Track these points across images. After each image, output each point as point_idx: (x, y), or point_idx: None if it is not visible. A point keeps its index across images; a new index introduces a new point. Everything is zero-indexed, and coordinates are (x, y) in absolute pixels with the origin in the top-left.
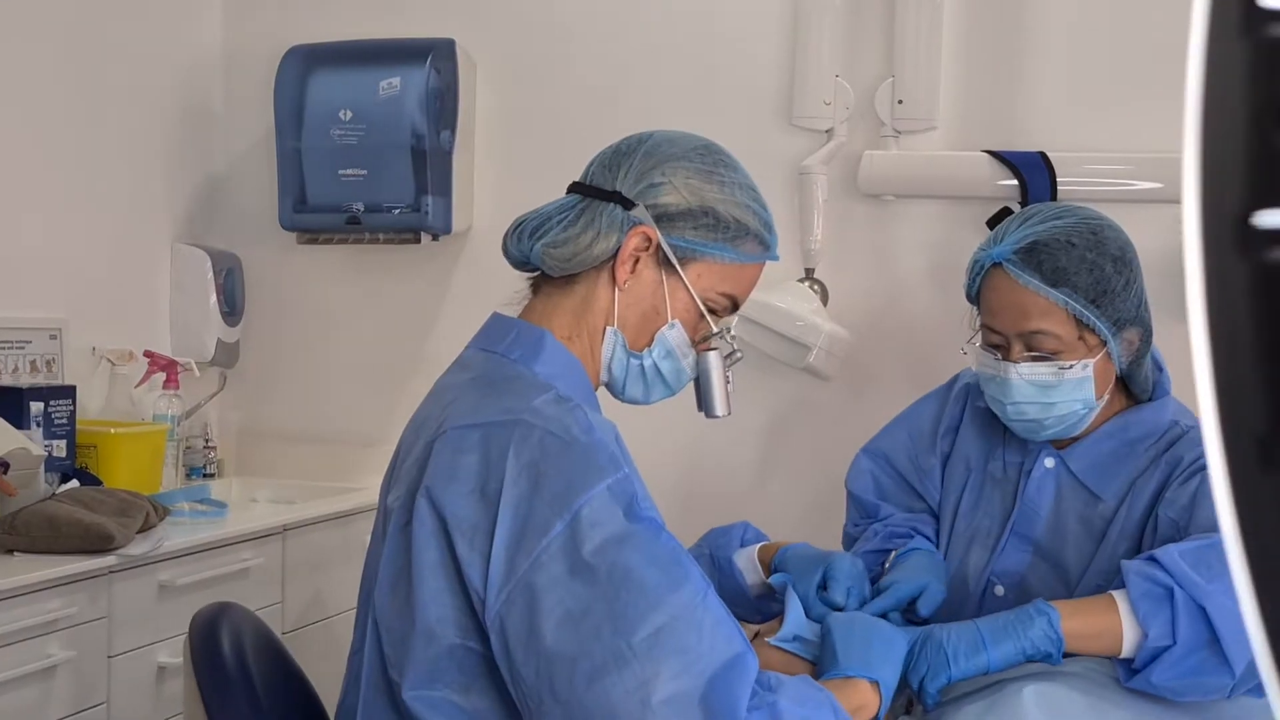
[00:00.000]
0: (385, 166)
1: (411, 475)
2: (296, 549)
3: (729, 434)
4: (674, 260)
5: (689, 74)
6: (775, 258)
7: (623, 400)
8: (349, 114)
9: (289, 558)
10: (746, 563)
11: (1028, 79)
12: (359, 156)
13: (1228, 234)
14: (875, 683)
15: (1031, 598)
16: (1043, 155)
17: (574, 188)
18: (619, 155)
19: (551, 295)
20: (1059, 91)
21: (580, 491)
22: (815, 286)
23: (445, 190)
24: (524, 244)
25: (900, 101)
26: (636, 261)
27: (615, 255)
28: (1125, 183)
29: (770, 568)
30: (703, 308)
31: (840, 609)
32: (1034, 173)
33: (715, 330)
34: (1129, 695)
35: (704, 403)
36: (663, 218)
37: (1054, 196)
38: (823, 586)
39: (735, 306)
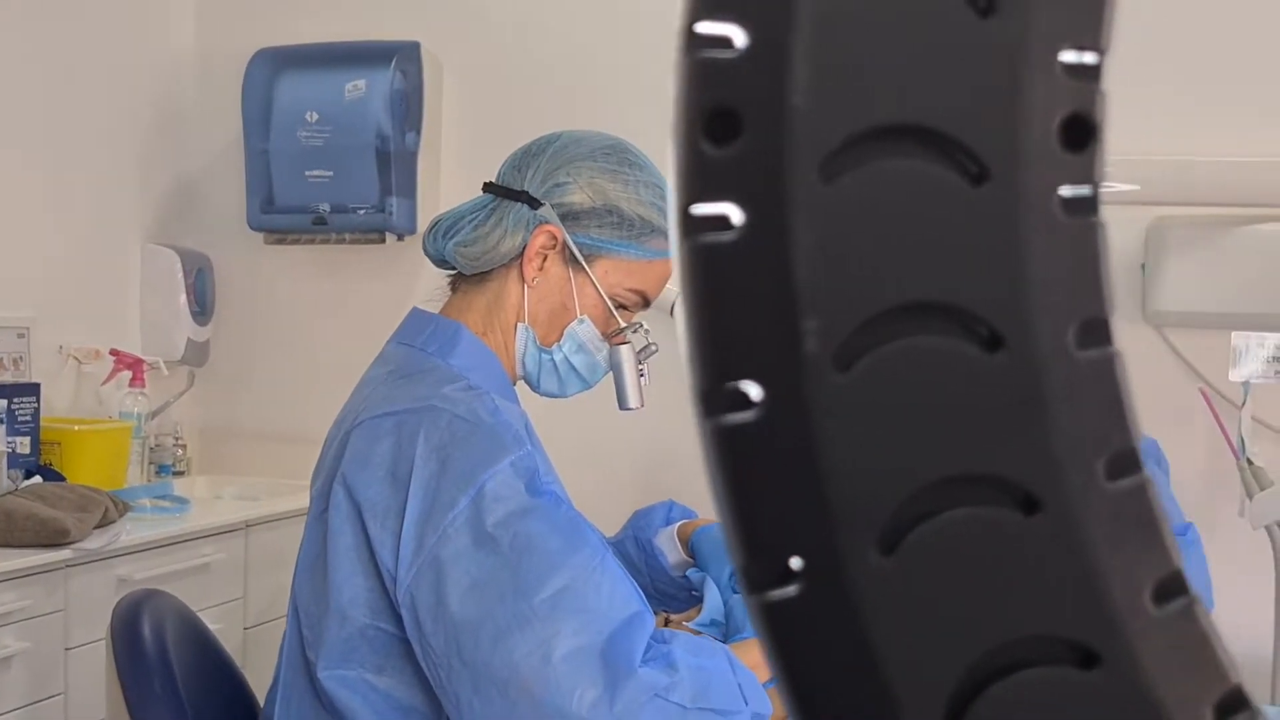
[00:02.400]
0: (351, 168)
1: (329, 465)
2: (259, 545)
3: (689, 429)
4: (580, 258)
5: (654, 75)
6: None
7: (540, 394)
8: (315, 116)
9: (252, 554)
10: (666, 542)
11: None
12: (325, 158)
13: (680, 225)
14: None
15: None
16: None
17: (487, 187)
18: (528, 155)
19: (467, 292)
20: None
21: (484, 468)
22: None
23: (410, 191)
24: (439, 243)
25: None
26: (545, 259)
27: (523, 253)
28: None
29: (689, 547)
30: (609, 304)
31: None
32: None
33: (623, 325)
34: None
35: (618, 395)
36: (568, 216)
37: None
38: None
39: (646, 302)
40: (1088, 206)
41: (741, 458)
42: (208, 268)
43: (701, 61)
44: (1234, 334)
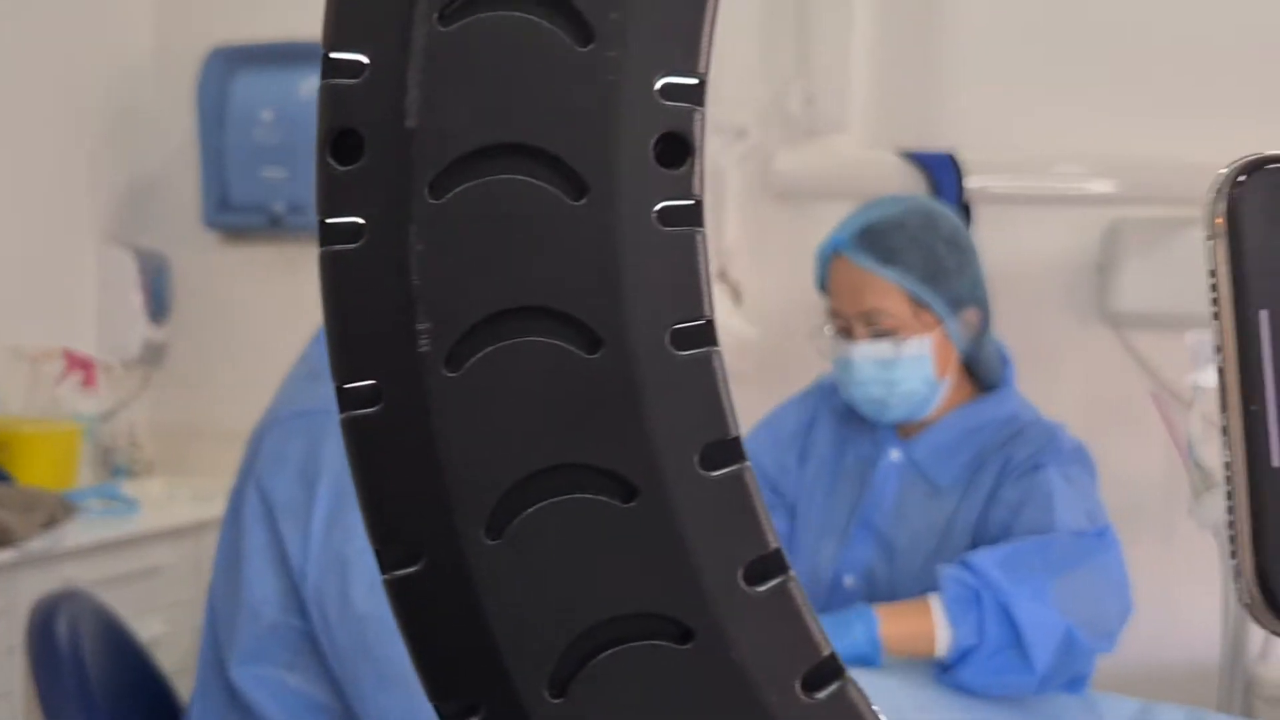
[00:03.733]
0: (307, 166)
1: (245, 465)
2: (213, 547)
3: None
4: None
5: None
6: None
7: None
8: (271, 114)
9: (204, 556)
10: None
11: (941, 79)
12: (281, 156)
13: (319, 236)
14: None
15: (879, 588)
16: (952, 155)
17: None
18: None
19: None
20: (971, 92)
21: None
22: (728, 286)
23: None
24: None
25: (811, 101)
26: None
27: None
28: (1035, 183)
29: None
30: None
31: None
32: (943, 173)
33: None
34: (944, 688)
35: None
36: None
37: (961, 197)
38: None
39: None
40: (686, 218)
41: (367, 450)
42: (165, 267)
43: (330, 87)
44: (1188, 334)
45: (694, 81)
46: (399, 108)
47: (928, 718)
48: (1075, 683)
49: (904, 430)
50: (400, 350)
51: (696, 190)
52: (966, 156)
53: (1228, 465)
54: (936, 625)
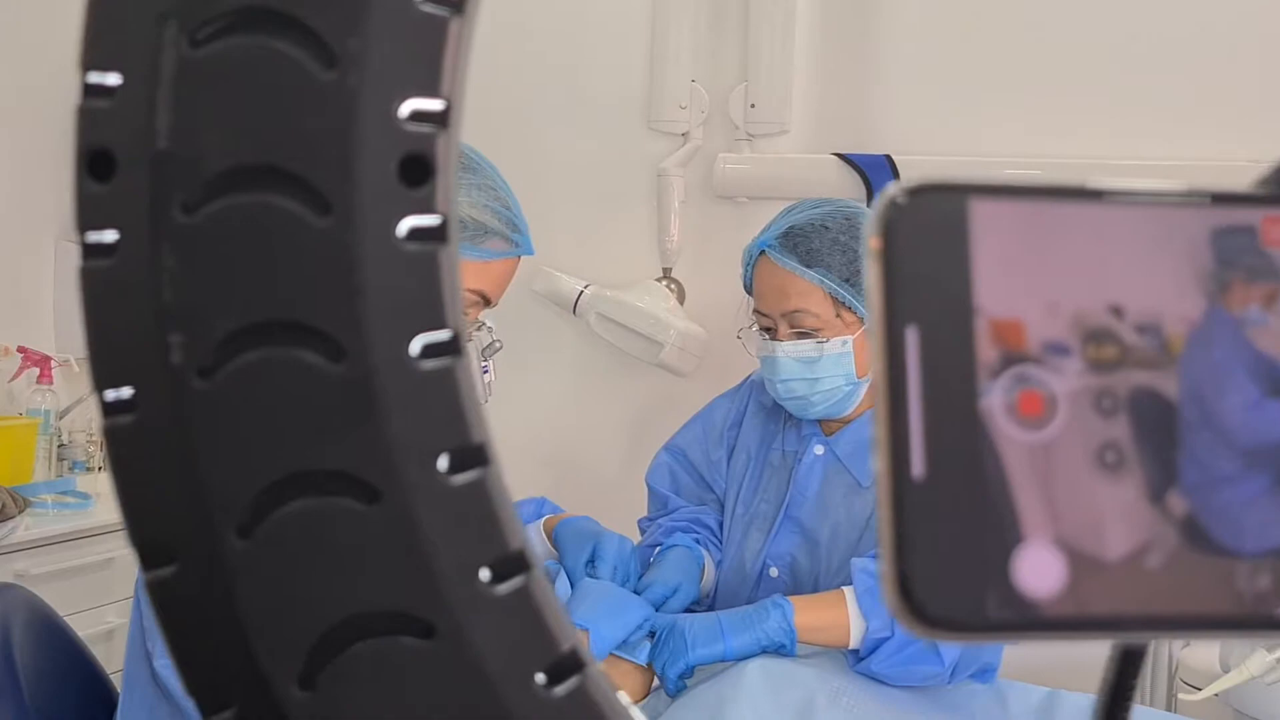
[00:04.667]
0: None
1: None
2: None
3: (593, 429)
4: None
5: (552, 79)
6: (528, 252)
7: None
8: None
9: None
10: (534, 535)
11: (879, 84)
12: None
13: (80, 253)
14: (586, 631)
15: (803, 580)
16: (888, 158)
17: None
18: None
19: None
20: (909, 96)
21: None
22: (672, 285)
23: None
24: None
25: (753, 106)
26: None
27: None
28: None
29: (551, 538)
30: None
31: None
32: (879, 175)
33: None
34: (857, 677)
35: None
36: None
37: None
38: (591, 562)
39: (487, 301)
40: (430, 235)
41: (125, 456)
42: None
43: (84, 108)
44: None
45: (439, 105)
46: (150, 129)
47: (841, 705)
48: (985, 672)
49: (828, 426)
50: (154, 361)
51: (441, 208)
52: (903, 159)
53: (877, 475)
54: (850, 617)
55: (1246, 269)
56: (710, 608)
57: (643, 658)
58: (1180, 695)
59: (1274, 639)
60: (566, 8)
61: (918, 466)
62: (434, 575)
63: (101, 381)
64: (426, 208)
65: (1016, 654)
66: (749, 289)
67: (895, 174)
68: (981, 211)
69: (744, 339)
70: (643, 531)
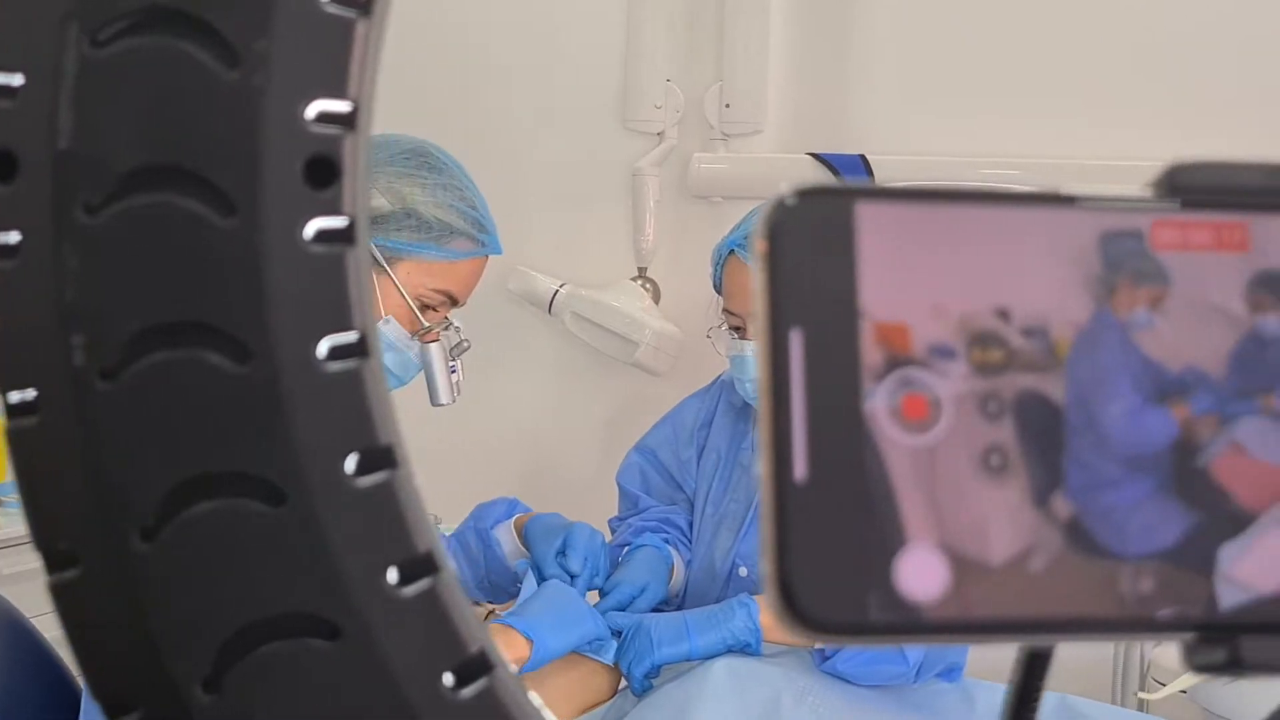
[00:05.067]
0: None
1: None
2: None
3: (568, 428)
4: (381, 261)
5: (526, 78)
6: (495, 251)
7: None
8: None
9: None
10: (504, 534)
11: (854, 83)
12: None
13: None
14: (530, 640)
15: None
16: (862, 158)
17: None
18: None
19: None
20: (884, 95)
21: None
22: (647, 285)
23: None
24: None
25: (728, 105)
26: None
27: None
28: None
29: (522, 536)
30: (412, 305)
31: (575, 576)
32: (854, 175)
33: (426, 326)
34: (823, 675)
35: (429, 392)
36: (369, 220)
37: None
38: (563, 553)
39: (454, 301)
40: (337, 237)
41: (28, 458)
42: None
43: None
44: None
45: (345, 107)
46: (53, 129)
47: (807, 705)
48: (951, 671)
49: None
50: (57, 363)
51: (349, 210)
52: (878, 159)
53: (760, 477)
54: None
55: (1134, 272)
56: (679, 608)
57: (609, 657)
58: (1140, 694)
59: (1157, 641)
60: (540, 7)
61: (800, 469)
62: (340, 577)
63: (5, 383)
64: (333, 209)
65: (983, 653)
66: (719, 288)
67: (869, 174)
68: (867, 215)
69: (714, 338)
70: (613, 531)
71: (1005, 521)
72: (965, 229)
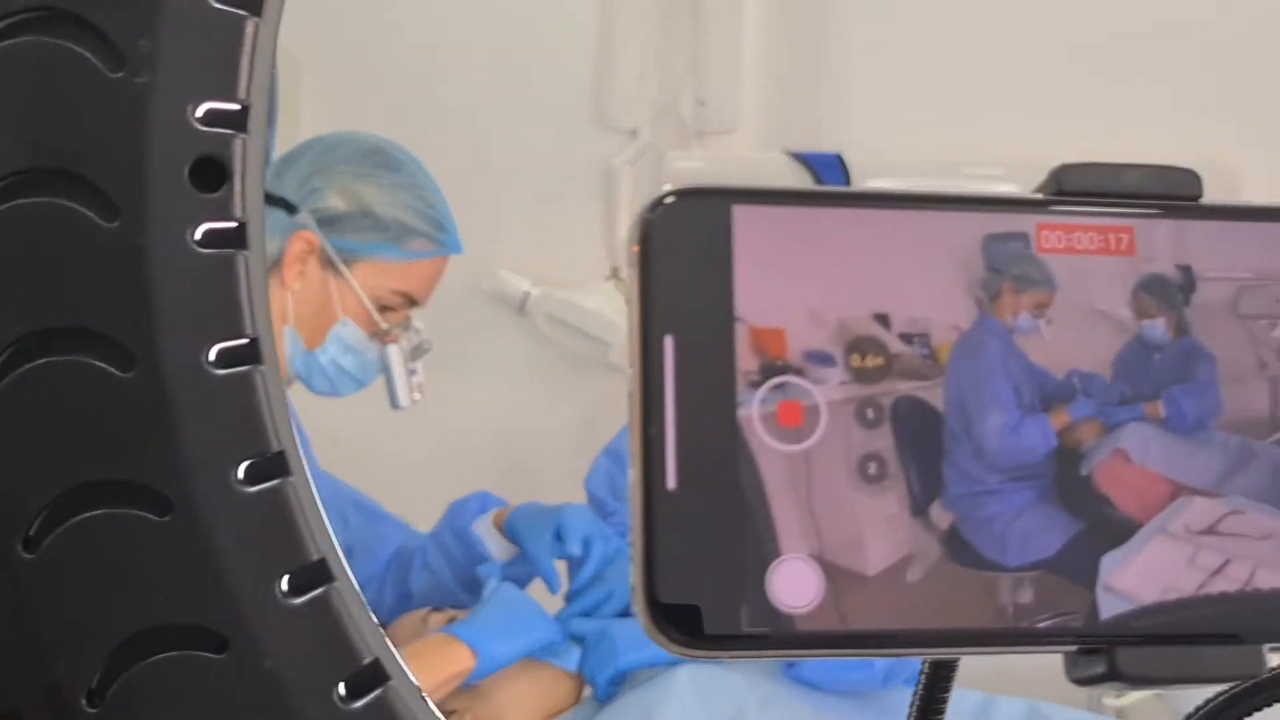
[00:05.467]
0: None
1: None
2: None
3: (542, 430)
4: (338, 262)
5: (497, 75)
6: (454, 251)
7: (315, 393)
8: None
9: None
10: (486, 531)
11: (832, 81)
12: None
13: None
14: (475, 650)
15: None
16: (839, 158)
17: None
18: (286, 161)
19: None
20: (862, 93)
21: None
22: (620, 284)
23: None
24: None
25: (702, 103)
26: (304, 264)
27: (284, 259)
28: (924, 185)
29: (505, 531)
30: (370, 306)
31: (581, 561)
32: (830, 173)
33: (385, 327)
34: (789, 683)
35: (389, 394)
36: (325, 221)
37: None
38: (559, 540)
39: (413, 301)
40: (227, 240)
41: None
42: None
43: None
44: None
45: (235, 107)
46: None
47: (772, 713)
48: (918, 677)
49: None
50: None
51: (239, 213)
52: (857, 158)
53: (629, 485)
54: None
55: (1018, 276)
56: None
57: (572, 664)
58: (1105, 700)
59: (1038, 653)
60: (512, 2)
61: (671, 477)
62: (228, 587)
63: None
64: (223, 212)
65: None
66: None
67: (847, 173)
68: (745, 217)
69: None
70: None
71: (882, 531)
72: (846, 231)
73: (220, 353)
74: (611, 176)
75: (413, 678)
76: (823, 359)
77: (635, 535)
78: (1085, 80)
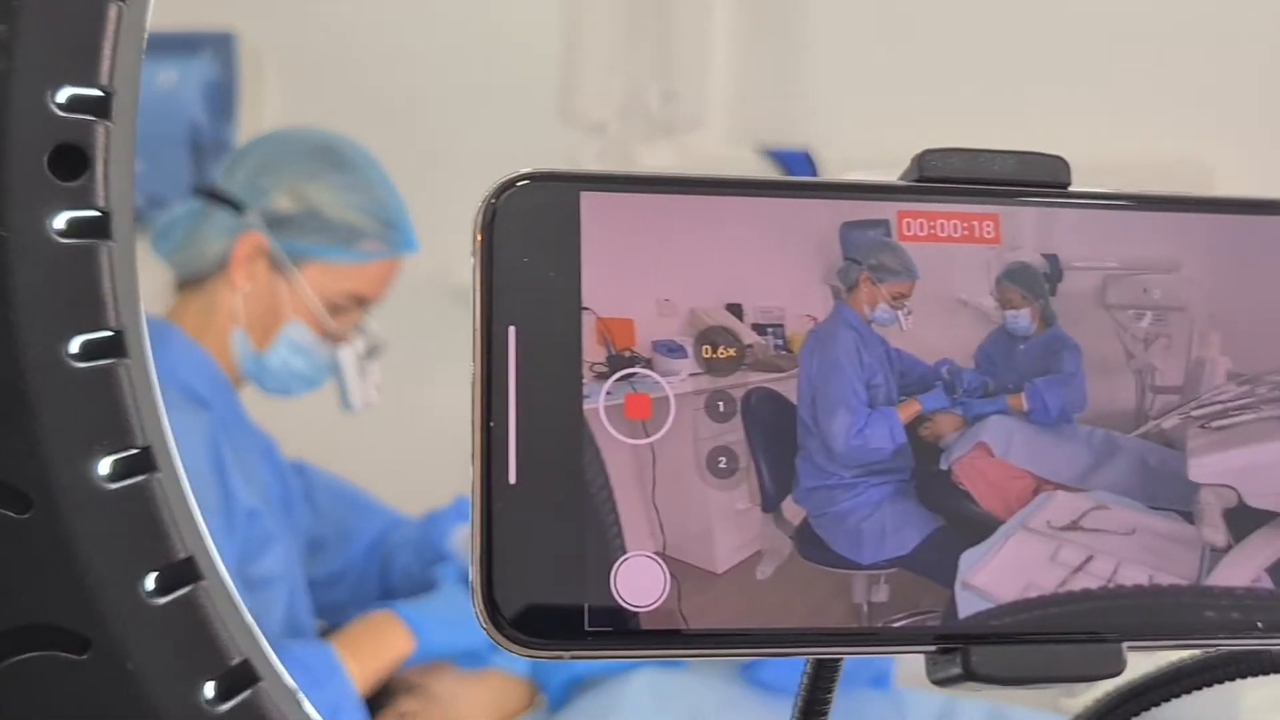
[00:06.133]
0: (165, 159)
1: None
2: None
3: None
4: (287, 264)
5: (461, 69)
6: (407, 250)
7: (269, 394)
8: None
9: None
10: (463, 542)
11: (801, 76)
12: (138, 149)
13: None
14: (415, 632)
15: None
16: (806, 154)
17: (196, 191)
18: (235, 160)
19: (186, 294)
20: (833, 88)
21: None
22: None
23: None
24: (158, 248)
25: (670, 98)
26: (254, 265)
27: (233, 259)
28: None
29: None
30: (320, 309)
31: None
32: (799, 170)
33: (335, 329)
34: (747, 685)
35: (341, 396)
36: (273, 222)
37: None
38: None
39: (364, 302)
40: (88, 230)
41: None
42: None
43: None
44: None
45: (96, 93)
46: None
47: (729, 715)
48: (880, 679)
49: None
50: None
51: (101, 202)
52: (828, 154)
53: (470, 480)
54: None
55: (876, 265)
56: None
57: (525, 669)
58: (1063, 699)
59: (895, 654)
60: (493, 4)
61: (513, 472)
62: (89, 587)
63: None
64: (84, 201)
65: (913, 661)
66: None
67: (815, 170)
68: (593, 204)
69: None
70: None
71: (732, 527)
72: (699, 219)
73: (82, 345)
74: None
75: (288, 679)
76: (672, 350)
77: (474, 532)
78: (1055, 75)
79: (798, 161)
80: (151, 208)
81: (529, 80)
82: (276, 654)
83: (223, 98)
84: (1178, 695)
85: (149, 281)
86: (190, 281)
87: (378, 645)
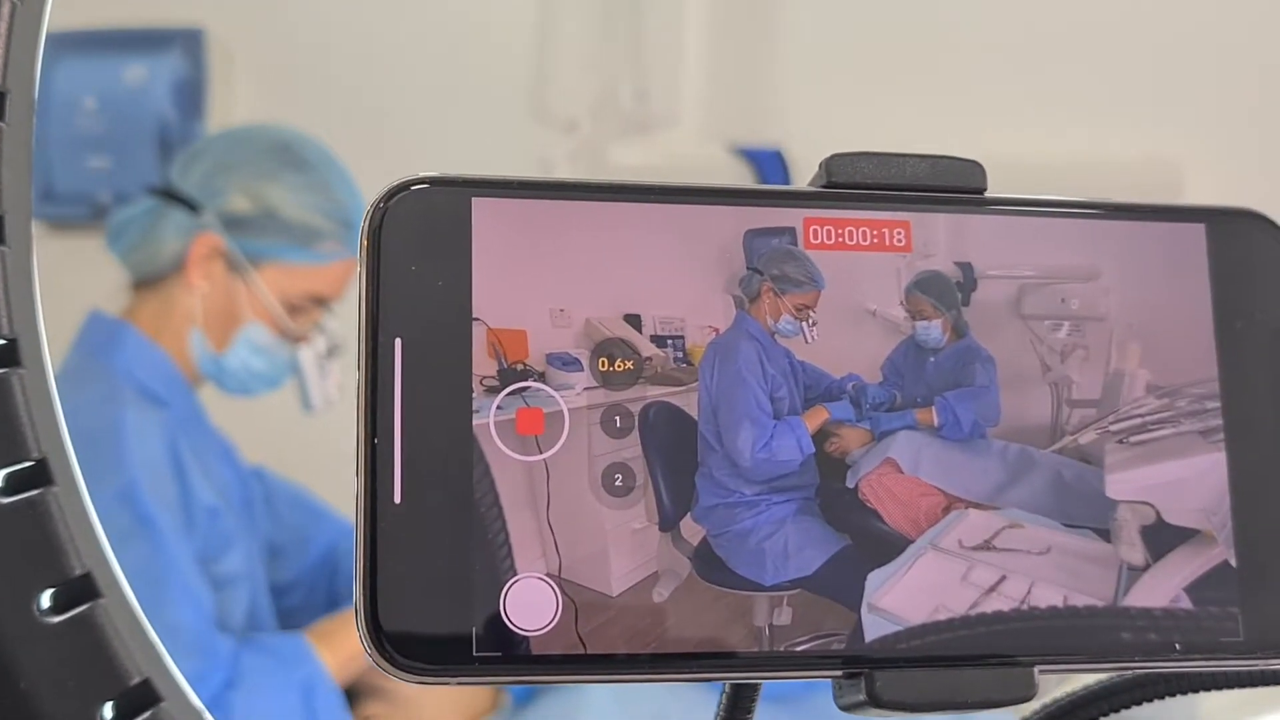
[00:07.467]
0: (132, 156)
1: None
2: None
3: None
4: (244, 265)
5: (430, 66)
6: None
7: (229, 394)
8: (94, 102)
9: None
10: None
11: (775, 75)
12: (105, 145)
13: None
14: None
15: None
16: (779, 153)
17: (154, 189)
18: (190, 158)
19: (142, 294)
20: (806, 88)
21: None
22: None
23: None
24: (113, 247)
25: (643, 96)
26: (210, 265)
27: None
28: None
29: None
30: (278, 310)
31: None
32: (771, 169)
33: (294, 330)
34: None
35: (301, 397)
36: (229, 223)
37: None
38: None
39: (324, 303)
40: None
41: None
42: None
43: None
44: None
45: None
46: None
47: (694, 719)
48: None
49: None
50: None
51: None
52: (800, 153)
53: (355, 498)
54: None
55: (779, 276)
56: None
57: None
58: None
59: (800, 679)
60: (469, 5)
61: (398, 491)
62: None
63: None
64: None
65: None
66: None
67: (787, 169)
68: (485, 210)
69: None
70: None
71: (627, 547)
72: (596, 226)
73: None
74: (549, 170)
75: (194, 699)
76: (567, 362)
77: (358, 552)
78: (1026, 76)
79: (770, 160)
80: (119, 205)
81: (500, 78)
82: (246, 646)
83: (192, 94)
84: (1128, 706)
85: (105, 280)
86: (146, 281)
87: (348, 632)
